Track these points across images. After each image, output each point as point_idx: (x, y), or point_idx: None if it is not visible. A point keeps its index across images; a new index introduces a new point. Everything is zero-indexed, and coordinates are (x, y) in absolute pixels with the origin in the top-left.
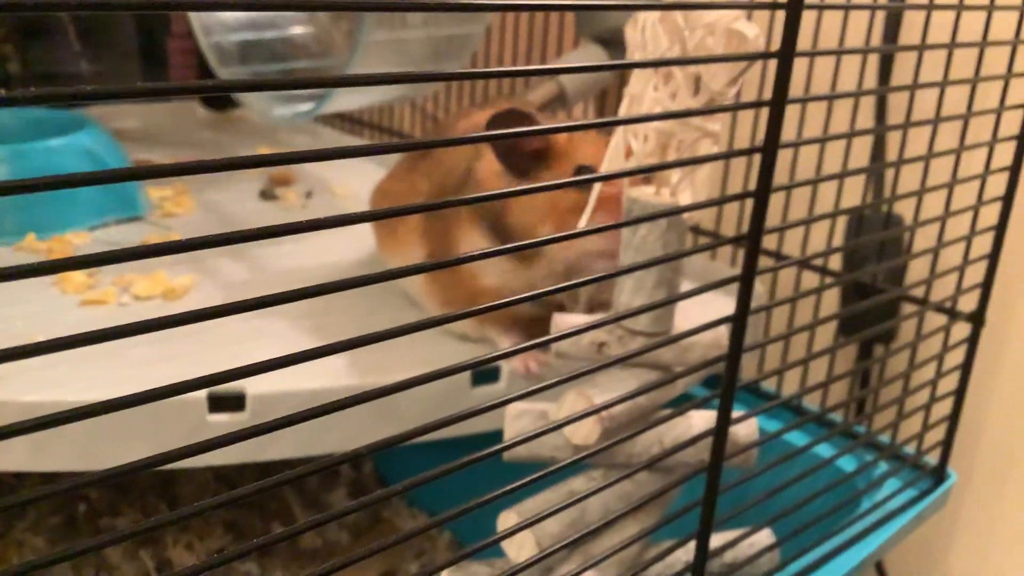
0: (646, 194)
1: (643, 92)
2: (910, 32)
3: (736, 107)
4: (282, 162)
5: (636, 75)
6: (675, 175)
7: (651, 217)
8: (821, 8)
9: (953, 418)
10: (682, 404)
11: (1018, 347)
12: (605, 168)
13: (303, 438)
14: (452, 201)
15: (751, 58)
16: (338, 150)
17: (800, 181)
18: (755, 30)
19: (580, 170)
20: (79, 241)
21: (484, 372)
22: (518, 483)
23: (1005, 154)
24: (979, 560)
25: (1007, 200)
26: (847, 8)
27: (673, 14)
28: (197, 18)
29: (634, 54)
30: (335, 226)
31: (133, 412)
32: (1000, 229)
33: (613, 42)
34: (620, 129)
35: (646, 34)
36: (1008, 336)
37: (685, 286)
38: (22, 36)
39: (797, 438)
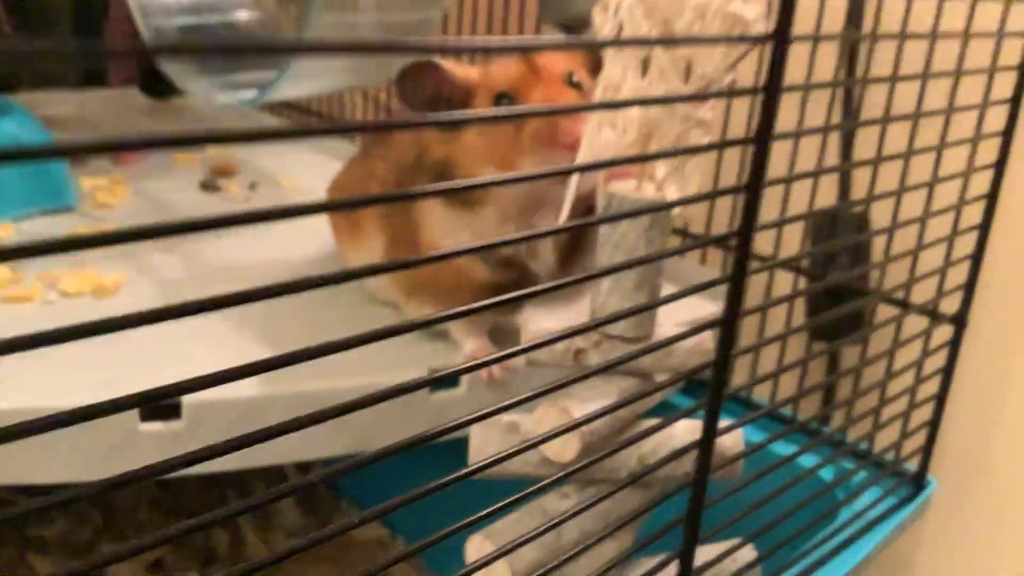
0: (627, 188)
1: (621, 80)
2: (891, 20)
3: (724, 94)
4: (217, 140)
5: (611, 62)
6: (660, 169)
7: (631, 213)
8: None
9: (934, 423)
10: (666, 415)
11: (1000, 348)
12: (582, 158)
13: (247, 448)
14: (405, 193)
15: (741, 40)
16: (281, 130)
17: (797, 174)
18: (755, 11)
19: (499, 97)
20: (2, 233)
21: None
22: (488, 510)
23: (989, 152)
24: (961, 567)
25: (991, 198)
26: None
27: None
28: (136, 0)
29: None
30: (289, 217)
31: None
32: (984, 228)
33: (578, 30)
34: (594, 119)
35: (621, 17)
36: (990, 337)
37: (666, 288)
38: None
39: (776, 448)
